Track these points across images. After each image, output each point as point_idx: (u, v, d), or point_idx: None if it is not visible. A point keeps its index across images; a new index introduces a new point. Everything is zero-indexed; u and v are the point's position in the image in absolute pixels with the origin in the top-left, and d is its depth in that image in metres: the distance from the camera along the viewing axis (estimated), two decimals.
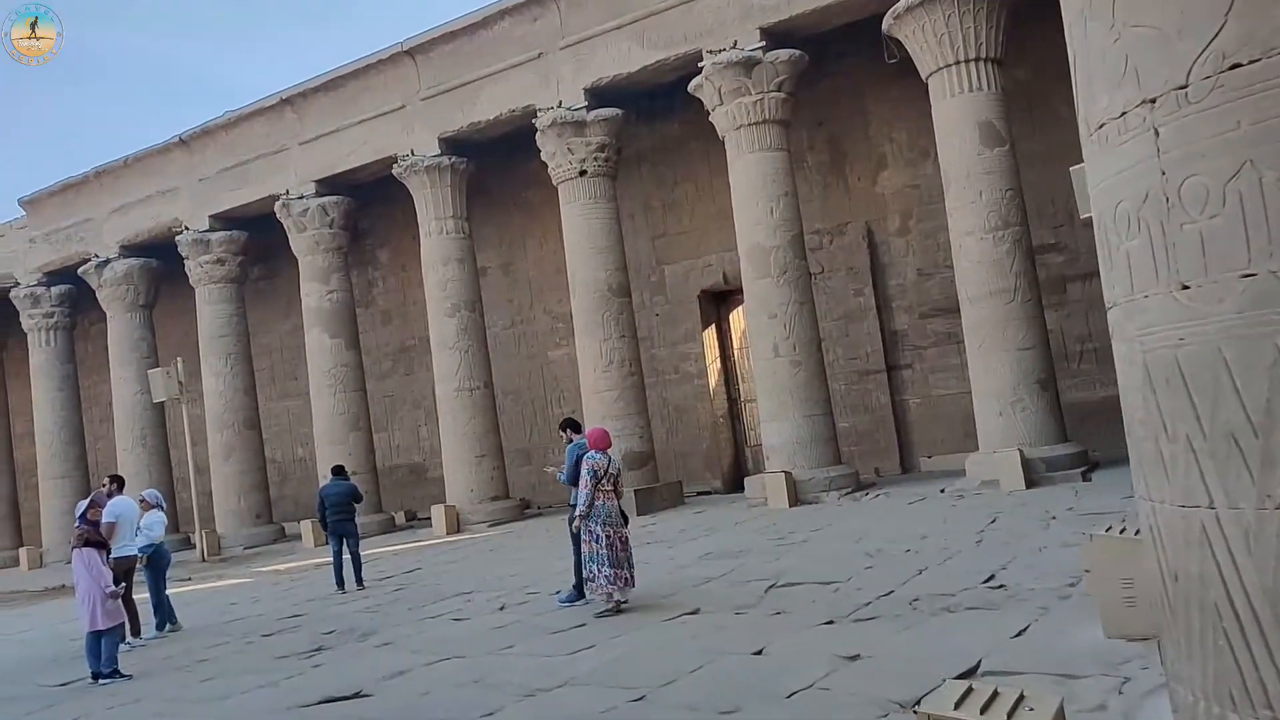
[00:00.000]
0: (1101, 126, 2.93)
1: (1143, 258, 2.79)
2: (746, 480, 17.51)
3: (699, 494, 19.57)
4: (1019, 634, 6.45)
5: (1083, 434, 15.53)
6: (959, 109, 14.90)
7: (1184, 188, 2.64)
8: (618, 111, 17.81)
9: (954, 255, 15.35)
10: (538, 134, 18.18)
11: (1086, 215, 13.29)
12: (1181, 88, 2.63)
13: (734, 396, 20.60)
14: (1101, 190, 2.99)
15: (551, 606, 9.45)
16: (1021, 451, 14.16)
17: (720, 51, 16.18)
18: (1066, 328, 17.01)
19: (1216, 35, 2.53)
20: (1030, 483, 13.99)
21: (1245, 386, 2.52)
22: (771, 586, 9.11)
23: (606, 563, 8.87)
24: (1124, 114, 2.81)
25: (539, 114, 18.09)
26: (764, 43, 16.13)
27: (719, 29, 16.44)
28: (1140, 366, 2.85)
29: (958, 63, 14.80)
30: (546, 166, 18.44)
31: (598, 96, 17.82)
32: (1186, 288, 2.67)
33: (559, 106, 17.83)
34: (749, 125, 16.23)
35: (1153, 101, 2.71)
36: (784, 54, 16.14)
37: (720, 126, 16.70)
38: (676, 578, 10.35)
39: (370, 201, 22.32)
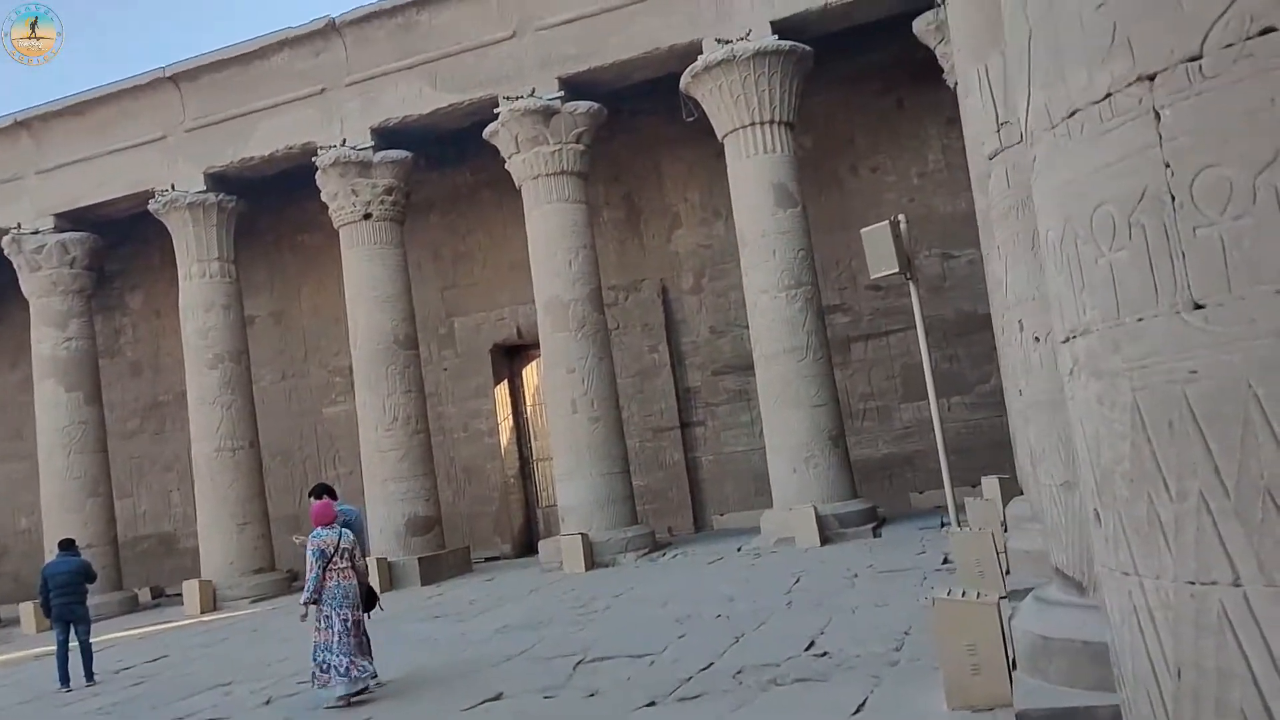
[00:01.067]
0: (1073, 114, 2.37)
1: (1136, 271, 2.23)
2: (540, 543, 16.55)
3: (488, 559, 18.37)
4: (858, 709, 5.91)
5: (865, 491, 15.70)
6: (755, 169, 14.92)
7: (1198, 183, 2.10)
8: (407, 154, 16.74)
9: (749, 313, 15.25)
10: (319, 173, 16.79)
11: (877, 276, 13.56)
12: (1194, 59, 2.10)
13: (526, 455, 19.64)
14: (1067, 193, 2.43)
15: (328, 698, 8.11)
16: (816, 508, 14.05)
17: (518, 98, 15.53)
18: (850, 386, 17.30)
19: None
20: (825, 539, 13.87)
21: None
22: (580, 662, 8.22)
23: (342, 651, 7.74)
24: (1109, 95, 2.26)
25: (320, 152, 16.72)
26: (563, 93, 15.63)
27: (517, 76, 15.80)
28: (1128, 408, 2.27)
29: (754, 124, 14.85)
30: (327, 208, 17.04)
31: (386, 137, 16.70)
32: (1201, 307, 2.11)
33: (343, 145, 16.55)
34: (547, 175, 15.60)
35: (1152, 78, 2.17)
36: (583, 106, 15.70)
37: (517, 175, 15.98)
38: (472, 656, 9.24)
39: (122, 240, 19.93)
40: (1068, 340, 2.53)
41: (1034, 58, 2.51)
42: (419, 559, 15.94)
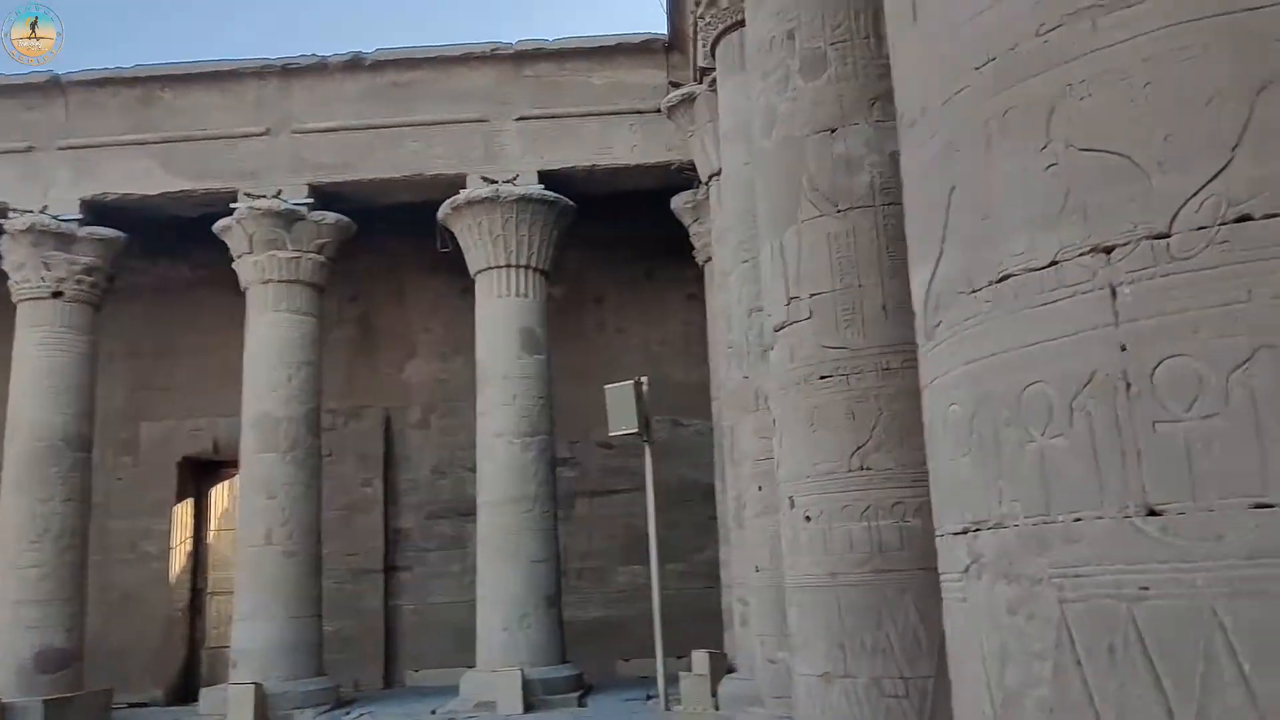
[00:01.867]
0: (1004, 279, 2.10)
1: (1077, 463, 1.93)
2: (203, 691, 14.32)
3: (133, 705, 15.67)
4: None
5: (574, 655, 15.04)
6: (505, 311, 14.56)
7: (1161, 372, 1.85)
8: (120, 234, 14.91)
9: (479, 456, 14.52)
10: (5, 238, 14.54)
11: (615, 434, 13.40)
12: (1160, 236, 1.89)
13: (200, 586, 17.28)
14: (988, 366, 2.13)
15: None
16: (523, 671, 13.17)
17: (261, 197, 14.38)
18: (570, 544, 16.80)
19: (1219, 173, 1.84)
20: (529, 706, 12.98)
21: (1258, 671, 1.67)
22: None
23: None
24: (1055, 264, 2.01)
25: (11, 215, 14.54)
26: (312, 200, 14.68)
27: (264, 174, 14.69)
28: (1053, 623, 1.93)
29: (509, 266, 14.58)
30: (6, 278, 14.72)
31: (98, 212, 14.83)
32: (1158, 514, 1.82)
33: (42, 211, 14.50)
34: (280, 282, 14.39)
35: (1109, 251, 1.94)
36: (332, 216, 14.80)
37: (245, 276, 14.62)
38: None
39: None
40: (966, 532, 2.19)
41: (954, 215, 2.25)
42: (45, 701, 13.26)
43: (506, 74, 14.96)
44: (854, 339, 5.27)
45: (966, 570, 2.19)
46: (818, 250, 5.42)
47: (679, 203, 15.00)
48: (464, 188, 14.61)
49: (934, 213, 2.32)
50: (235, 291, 14.90)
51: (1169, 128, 1.89)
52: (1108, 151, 1.95)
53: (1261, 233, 1.79)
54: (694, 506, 16.55)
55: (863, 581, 5.04)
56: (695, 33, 12.82)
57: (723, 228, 11.72)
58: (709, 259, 14.39)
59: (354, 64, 14.89)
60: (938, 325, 2.29)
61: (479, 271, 14.76)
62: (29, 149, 14.90)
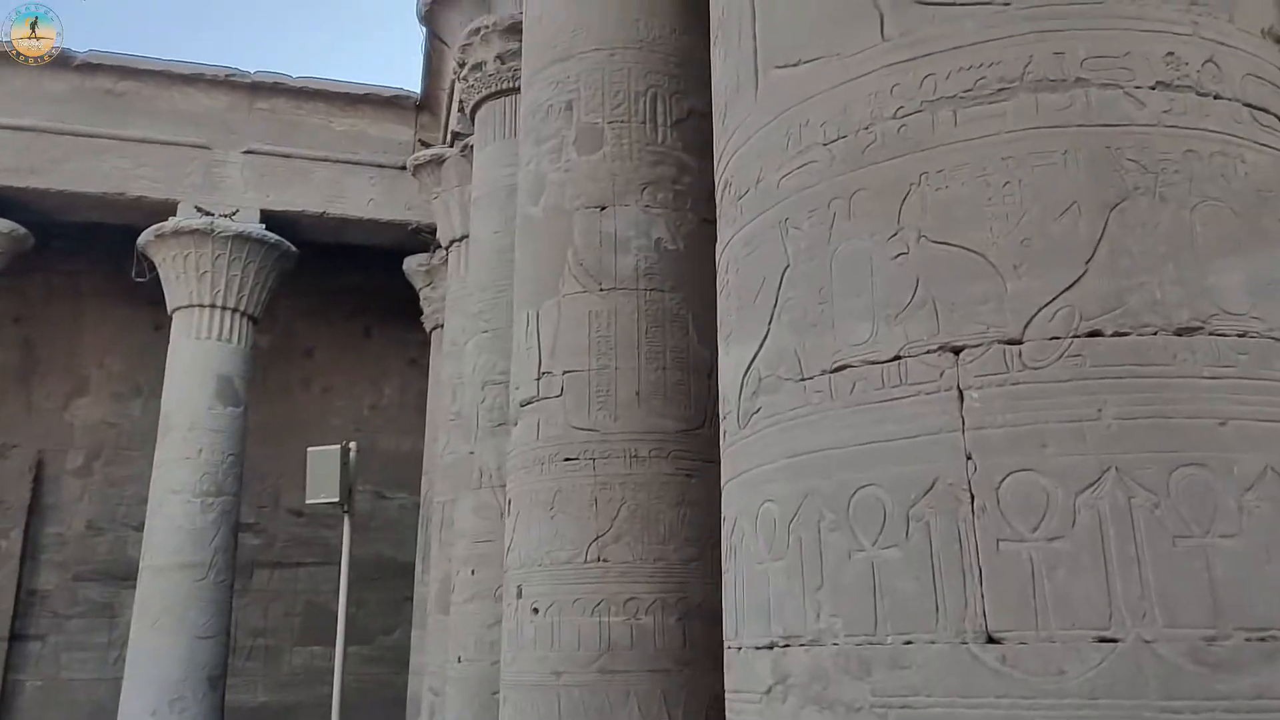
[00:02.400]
0: (840, 369, 1.92)
1: (911, 579, 1.74)
2: None
3: None
4: None
5: None
6: (203, 355, 13.14)
7: (1007, 486, 1.71)
8: None
9: (150, 513, 12.83)
10: None
11: (313, 502, 12.33)
12: (1013, 342, 1.78)
13: None
14: (813, 461, 1.92)
15: None
16: None
17: None
18: (243, 618, 15.19)
19: (1073, 284, 1.77)
20: None
21: None
22: None
23: None
24: (900, 359, 1.85)
25: None
26: None
27: None
28: None
29: (214, 307, 13.24)
30: None
31: None
32: (997, 641, 1.66)
33: None
34: None
35: (958, 351, 1.81)
36: (5, 225, 12.83)
37: None
38: None
39: None
40: (773, 647, 1.94)
41: (786, 295, 2.06)
42: None
43: (239, 103, 13.84)
44: (605, 422, 5.05)
45: (769, 691, 1.93)
46: (577, 326, 5.19)
47: (412, 264, 14.41)
48: (174, 215, 13.20)
49: (761, 290, 2.12)
50: None
51: (1026, 232, 1.81)
52: (962, 247, 1.84)
53: (1112, 350, 1.73)
54: (387, 586, 15.54)
55: (588, 683, 4.71)
56: (452, 95, 12.53)
57: (459, 295, 11.30)
58: (438, 325, 13.85)
59: (60, 61, 13.19)
60: (756, 412, 2.07)
61: (178, 308, 13.28)
62: None
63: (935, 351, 1.82)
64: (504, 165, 8.67)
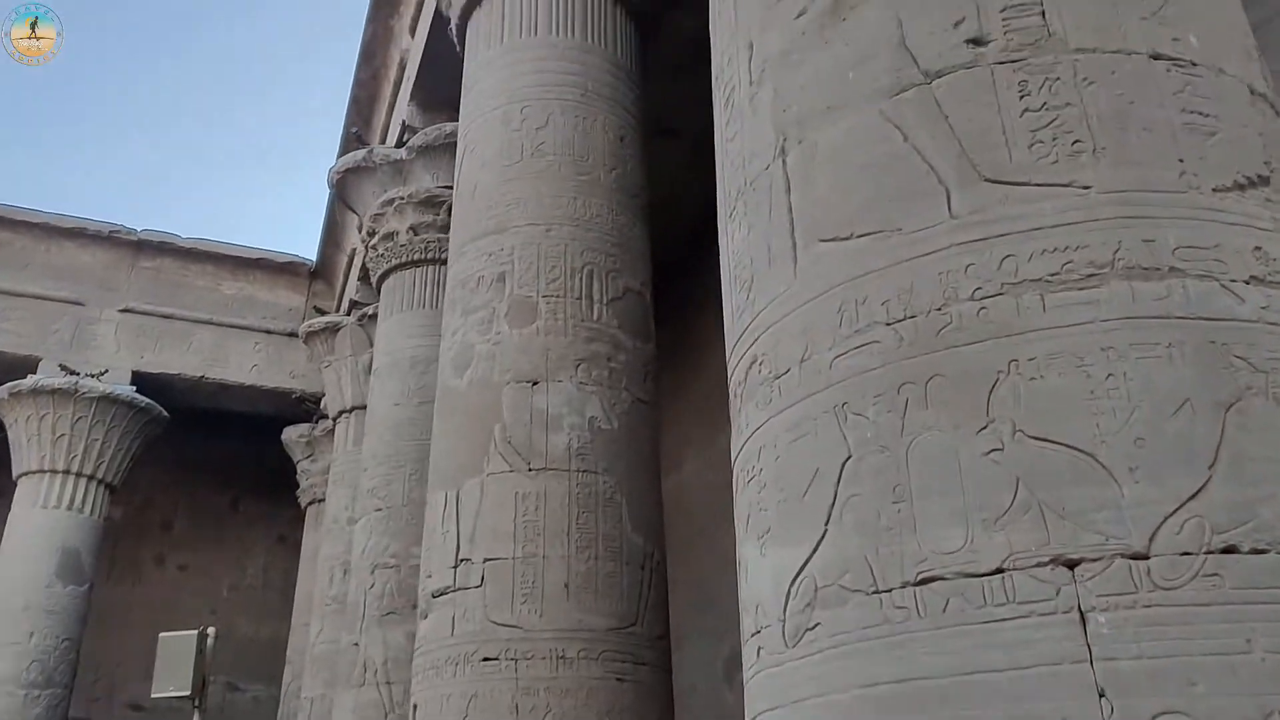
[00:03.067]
0: (929, 580, 1.63)
1: None
2: None
3: None
4: None
5: None
6: (47, 526, 11.88)
7: None
8: None
9: None
10: None
11: (159, 696, 10.96)
12: (1138, 556, 1.53)
13: None
14: (906, 694, 1.59)
15: None
16: None
17: None
18: None
19: (1198, 493, 1.55)
20: None
21: None
22: None
23: None
24: (1003, 571, 1.57)
25: None
26: None
27: None
28: None
29: (68, 473, 12.09)
30: None
31: None
32: None
33: None
34: None
35: (1073, 565, 1.55)
36: None
37: None
38: None
39: None
40: None
41: (848, 490, 1.78)
42: None
43: (122, 260, 13.17)
44: (530, 618, 4.56)
45: None
46: (502, 509, 4.76)
47: (292, 435, 13.62)
48: (34, 372, 12.19)
49: (814, 484, 1.84)
50: None
51: (1138, 431, 1.60)
52: (1067, 445, 1.62)
53: (1252, 571, 1.50)
54: None
55: None
56: (351, 263, 12.23)
57: (345, 468, 10.63)
58: (315, 500, 12.98)
59: None
60: (812, 628, 1.75)
61: (24, 474, 12.06)
62: None
63: (1047, 564, 1.56)
64: (409, 336, 8.34)
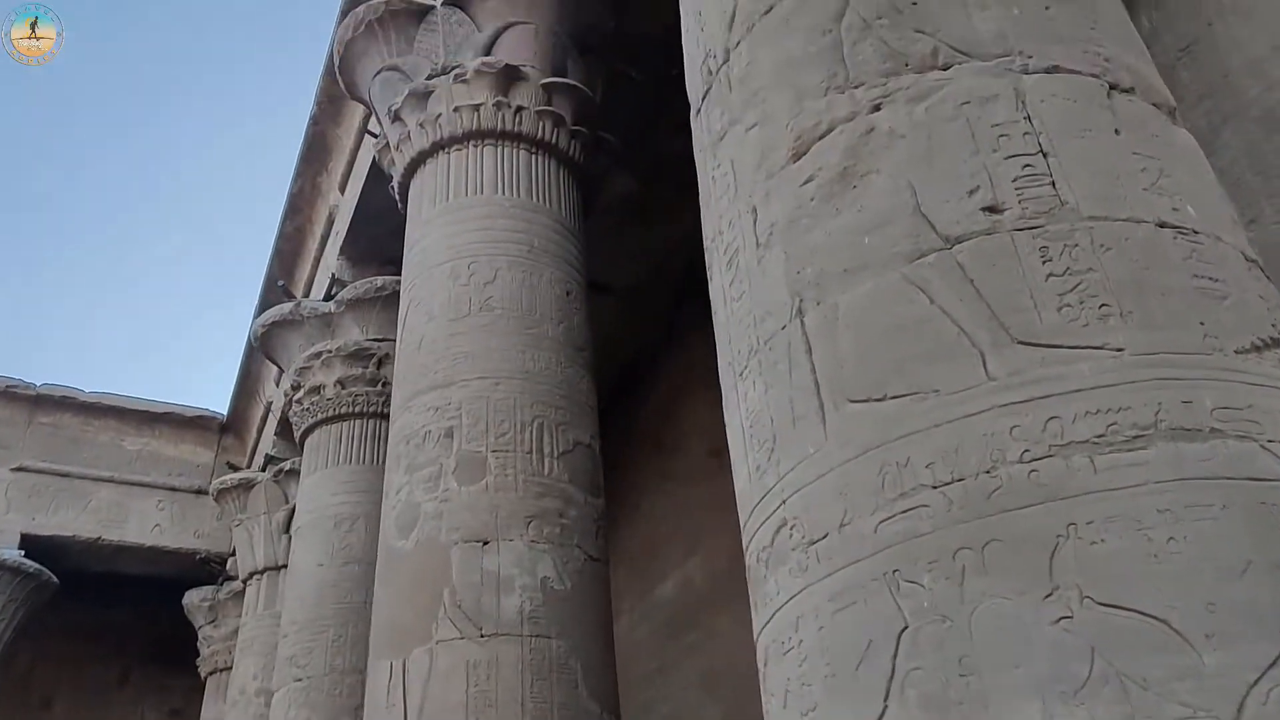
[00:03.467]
0: None
1: None
2: None
3: None
4: None
5: None
6: None
7: None
8: None
9: None
10: None
11: None
12: None
13: None
14: None
15: None
16: None
17: None
18: None
19: (1278, 660, 1.51)
20: None
21: None
22: None
23: None
24: None
25: None
26: None
27: None
28: None
29: None
30: None
31: None
32: None
33: None
34: None
35: None
36: None
37: None
38: None
39: None
40: None
41: (907, 664, 1.68)
42: None
43: (18, 416, 12.45)
44: None
45: None
46: (452, 679, 4.45)
47: (194, 599, 12.74)
48: None
49: (866, 658, 1.74)
50: None
51: (1207, 595, 1.57)
52: (1139, 612, 1.57)
53: None
54: None
55: None
56: (266, 418, 11.80)
57: (255, 634, 9.95)
58: (218, 669, 12.06)
59: None
60: None
61: None
62: None
63: None
64: (333, 494, 8.00)
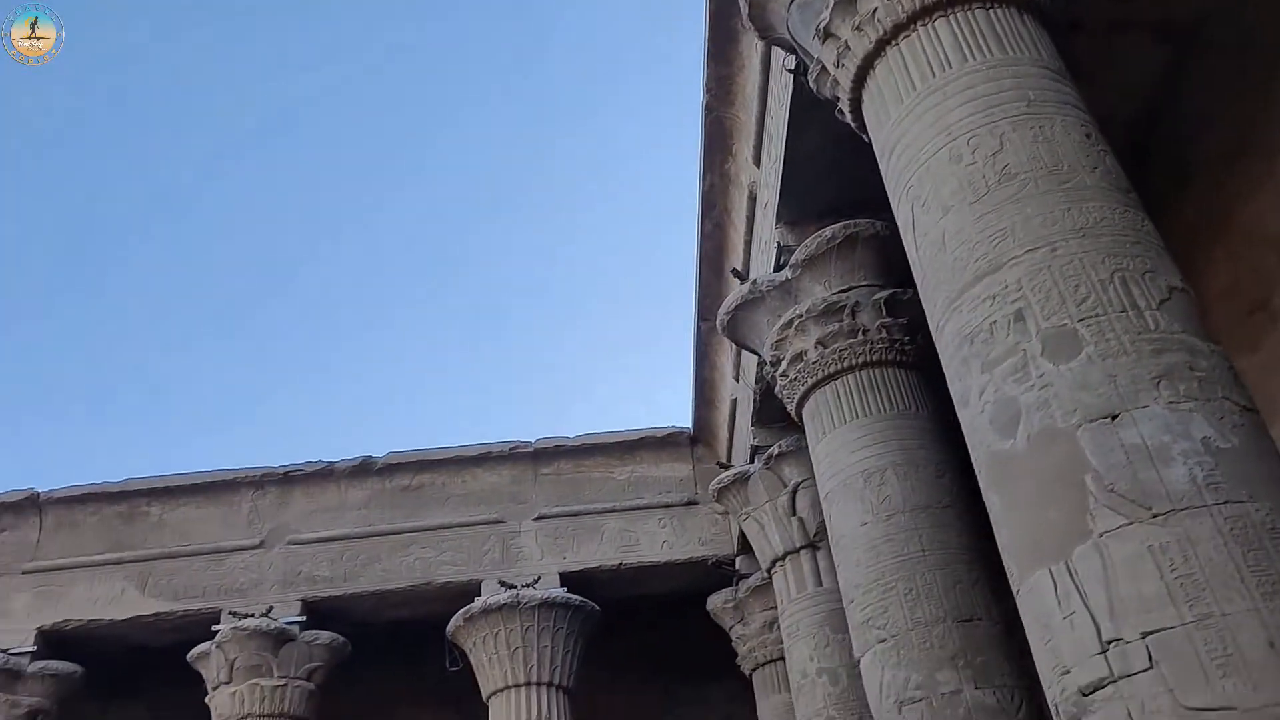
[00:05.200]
0: None
1: None
2: None
3: None
4: None
5: None
6: None
7: None
8: (76, 668, 12.36)
9: None
10: None
11: None
12: None
13: None
14: None
15: None
16: None
17: (248, 615, 12.19)
18: None
19: None
20: None
21: None
22: None
23: None
24: None
25: None
26: (305, 617, 12.51)
27: (252, 590, 12.64)
28: None
29: (529, 684, 12.19)
30: None
31: (55, 643, 12.40)
32: None
33: None
34: (261, 717, 11.73)
35: None
36: (326, 636, 12.53)
37: (221, 712, 11.93)
38: None
39: None
40: None
41: None
42: None
43: (524, 473, 13.69)
44: (1241, 692, 3.43)
45: None
46: (1140, 569, 3.75)
47: (718, 602, 13.09)
48: (478, 595, 12.63)
49: None
50: None
51: None
52: None
53: None
54: None
55: None
56: (734, 416, 11.90)
57: (801, 616, 9.84)
58: (763, 664, 12.23)
59: (362, 469, 13.53)
60: None
61: (493, 693, 12.28)
62: None
63: None
64: (852, 451, 7.62)
